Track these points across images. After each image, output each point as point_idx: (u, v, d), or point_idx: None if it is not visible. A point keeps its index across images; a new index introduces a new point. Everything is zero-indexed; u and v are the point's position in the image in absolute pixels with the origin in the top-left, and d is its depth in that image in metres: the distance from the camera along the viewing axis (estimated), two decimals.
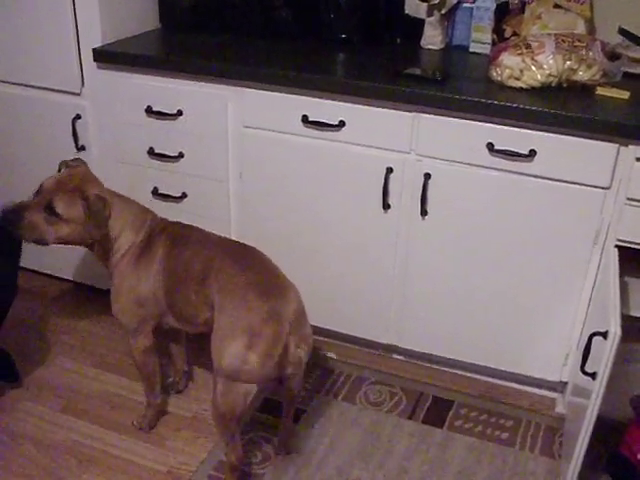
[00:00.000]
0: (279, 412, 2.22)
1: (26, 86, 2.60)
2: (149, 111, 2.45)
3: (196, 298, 2.01)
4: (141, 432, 2.28)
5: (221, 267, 1.96)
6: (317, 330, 2.65)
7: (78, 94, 2.53)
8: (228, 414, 1.90)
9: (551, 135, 2.04)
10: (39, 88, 2.58)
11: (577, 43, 2.15)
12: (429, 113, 2.14)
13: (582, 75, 2.13)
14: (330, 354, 2.66)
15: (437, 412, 2.41)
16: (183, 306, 2.06)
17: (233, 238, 2.56)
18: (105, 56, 2.43)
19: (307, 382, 2.50)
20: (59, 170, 2.11)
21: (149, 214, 2.15)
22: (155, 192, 2.58)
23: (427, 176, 2.21)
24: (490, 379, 2.55)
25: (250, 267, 1.97)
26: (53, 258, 2.91)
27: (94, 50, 2.43)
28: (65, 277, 2.98)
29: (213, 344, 1.89)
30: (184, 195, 2.55)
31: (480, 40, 2.52)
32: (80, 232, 1.99)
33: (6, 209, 1.95)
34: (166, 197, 2.57)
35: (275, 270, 2.01)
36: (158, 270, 2.08)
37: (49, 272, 2.99)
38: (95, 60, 2.45)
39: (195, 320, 2.06)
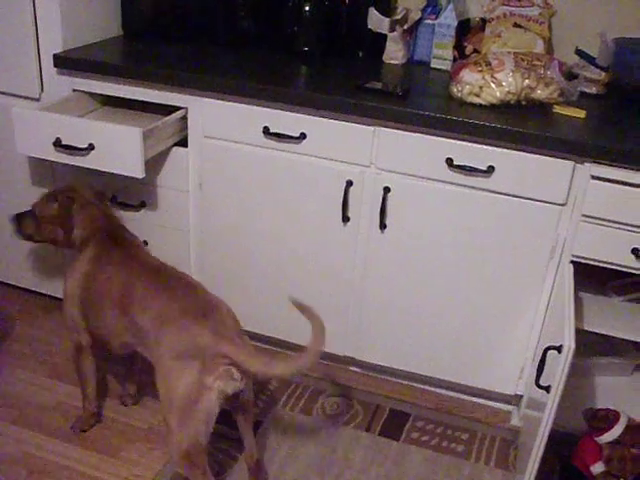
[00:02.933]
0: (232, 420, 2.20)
1: None
2: None
3: (116, 323, 1.98)
4: (96, 443, 2.25)
5: (146, 295, 1.91)
6: (274, 341, 2.66)
7: (37, 99, 2.50)
8: (192, 448, 1.81)
9: (509, 152, 2.07)
10: None
11: (536, 62, 2.19)
12: (389, 127, 2.16)
13: (540, 93, 2.17)
14: None
15: (393, 424, 2.42)
16: (97, 325, 2.06)
17: (191, 250, 2.55)
18: (65, 62, 2.41)
19: (264, 394, 2.49)
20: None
21: (99, 218, 2.17)
22: (113, 200, 2.55)
23: (386, 190, 2.22)
24: (446, 392, 2.57)
25: (177, 292, 1.90)
26: (6, 265, 2.86)
27: (54, 56, 2.40)
28: (19, 285, 2.92)
29: (159, 378, 1.83)
30: (143, 204, 2.53)
31: (441, 56, 2.55)
32: (54, 230, 2.19)
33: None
34: (125, 206, 2.54)
35: (201, 290, 1.94)
36: (78, 277, 2.09)
37: (1, 280, 2.94)
38: (55, 66, 2.42)
39: (110, 342, 2.05)
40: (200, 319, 1.82)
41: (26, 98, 2.51)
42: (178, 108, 2.37)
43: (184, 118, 2.39)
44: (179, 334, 1.81)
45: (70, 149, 2.24)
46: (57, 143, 2.24)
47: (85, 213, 2.16)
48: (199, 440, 1.82)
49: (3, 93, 2.54)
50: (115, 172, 2.25)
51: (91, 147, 2.22)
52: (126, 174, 2.24)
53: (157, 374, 1.84)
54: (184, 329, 1.81)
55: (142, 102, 2.44)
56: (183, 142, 2.43)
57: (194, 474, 1.87)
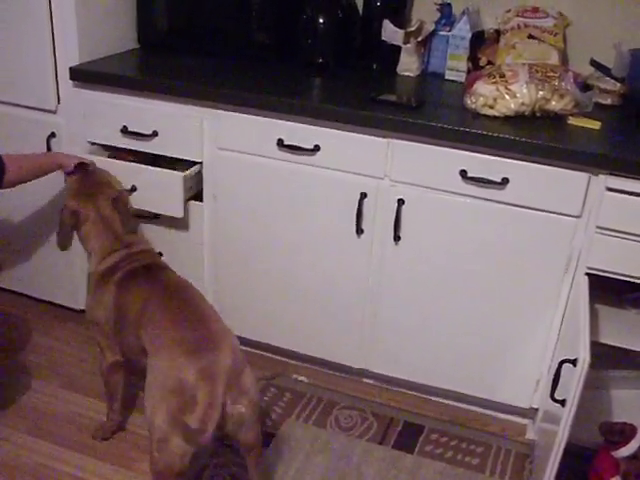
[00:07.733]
0: None
1: (1, 103, 2.58)
2: (124, 131, 2.44)
3: (136, 344, 1.97)
4: (110, 454, 2.25)
5: (152, 317, 1.90)
6: (288, 353, 2.66)
7: (54, 112, 2.52)
8: (166, 472, 1.78)
9: (524, 163, 2.06)
10: (14, 105, 2.57)
11: (550, 73, 2.18)
12: (403, 139, 2.16)
13: (555, 105, 2.17)
14: (301, 378, 2.65)
15: (408, 437, 2.41)
16: (126, 346, 2.08)
17: (205, 261, 2.56)
18: (82, 75, 2.43)
19: (277, 406, 2.49)
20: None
21: (120, 245, 2.15)
22: None
23: (400, 202, 2.22)
24: (461, 405, 2.55)
25: (182, 318, 1.87)
26: (23, 276, 2.88)
27: (71, 69, 2.42)
28: (34, 296, 2.94)
29: (145, 401, 1.81)
30: (157, 216, 2.54)
31: (455, 68, 2.55)
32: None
33: None
34: (140, 217, 2.56)
35: (210, 319, 1.89)
36: (109, 302, 2.08)
37: (18, 290, 2.96)
38: (72, 79, 2.44)
39: (140, 362, 2.00)
40: (192, 354, 1.76)
41: (43, 110, 2.53)
42: None
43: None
44: (167, 364, 1.77)
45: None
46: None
47: (96, 236, 2.16)
48: (173, 469, 1.77)
49: (21, 106, 2.56)
50: None
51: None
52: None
53: (145, 396, 1.81)
54: (173, 360, 1.76)
55: None
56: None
57: None
